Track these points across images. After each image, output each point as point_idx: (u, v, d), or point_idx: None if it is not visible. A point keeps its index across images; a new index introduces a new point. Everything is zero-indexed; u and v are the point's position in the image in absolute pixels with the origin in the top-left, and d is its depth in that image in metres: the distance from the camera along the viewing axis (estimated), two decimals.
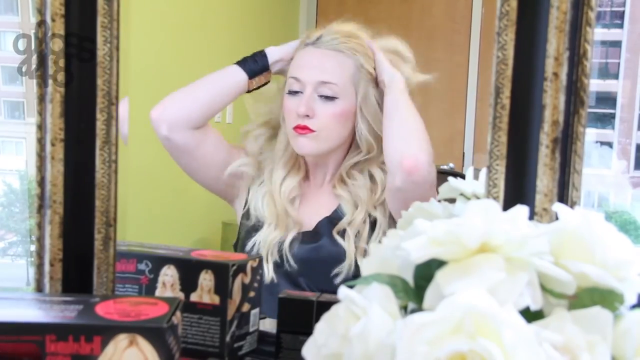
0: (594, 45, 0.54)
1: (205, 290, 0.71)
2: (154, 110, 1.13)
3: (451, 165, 3.03)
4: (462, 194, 0.62)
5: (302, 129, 1.12)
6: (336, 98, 1.12)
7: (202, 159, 1.17)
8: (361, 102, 1.14)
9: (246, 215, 1.20)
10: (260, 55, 1.17)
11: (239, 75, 1.15)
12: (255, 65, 1.16)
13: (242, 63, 1.16)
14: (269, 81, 1.19)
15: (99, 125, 0.62)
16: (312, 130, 1.12)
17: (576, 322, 0.42)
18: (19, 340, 0.50)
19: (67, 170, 0.62)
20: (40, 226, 0.62)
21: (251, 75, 1.15)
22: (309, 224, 1.17)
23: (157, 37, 2.41)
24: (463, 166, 3.56)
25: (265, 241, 1.14)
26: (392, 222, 1.14)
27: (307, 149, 1.14)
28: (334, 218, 1.15)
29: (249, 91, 1.17)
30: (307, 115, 1.12)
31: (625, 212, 3.07)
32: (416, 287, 0.46)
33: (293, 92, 1.14)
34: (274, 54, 1.18)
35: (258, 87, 1.18)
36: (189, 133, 1.14)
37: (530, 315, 0.42)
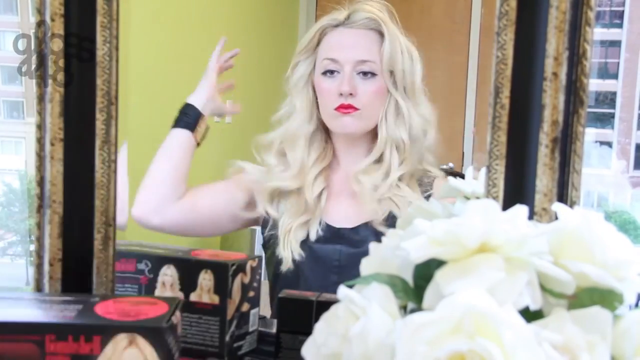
0: (594, 45, 0.54)
1: (204, 290, 0.71)
2: (134, 209, 1.13)
3: (451, 165, 3.02)
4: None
5: (346, 108, 1.11)
6: (375, 75, 1.12)
7: (208, 218, 1.18)
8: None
9: (273, 225, 1.16)
10: (188, 107, 1.16)
11: (183, 135, 1.15)
12: (190, 118, 1.16)
13: (177, 123, 1.16)
14: (208, 127, 1.18)
15: (99, 125, 0.62)
16: (357, 109, 1.12)
17: (576, 322, 0.42)
18: (18, 340, 0.50)
19: (66, 170, 0.62)
20: (39, 226, 0.62)
21: (192, 128, 1.15)
22: (346, 221, 1.14)
23: (156, 36, 2.40)
24: (462, 166, 3.56)
25: (297, 242, 1.11)
26: None
27: (352, 127, 1.13)
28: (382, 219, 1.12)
29: (198, 144, 1.17)
30: (351, 94, 1.11)
31: (624, 212, 3.07)
32: (416, 287, 0.46)
33: (329, 73, 1.13)
34: (198, 99, 1.17)
35: (204, 135, 1.18)
36: (178, 207, 1.14)
37: (530, 315, 0.42)
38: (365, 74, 1.12)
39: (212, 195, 1.19)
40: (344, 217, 1.14)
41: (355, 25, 1.14)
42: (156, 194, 1.13)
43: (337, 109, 1.12)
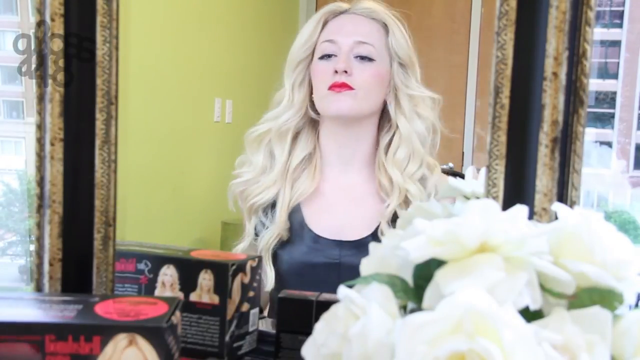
0: (594, 44, 0.54)
1: (204, 290, 0.71)
2: None
3: (450, 165, 3.03)
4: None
5: (339, 86, 1.07)
6: (373, 60, 1.10)
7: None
8: (396, 69, 1.12)
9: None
10: None
11: None
12: None
13: None
14: None
15: (98, 124, 0.62)
16: (351, 88, 1.08)
17: (575, 321, 0.42)
18: (18, 340, 0.50)
19: (66, 170, 0.62)
20: (39, 226, 0.62)
21: None
22: (347, 232, 1.10)
23: (156, 36, 2.40)
24: (462, 166, 3.56)
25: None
26: None
27: (346, 108, 1.08)
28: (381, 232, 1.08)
29: None
30: (345, 72, 1.07)
31: (624, 212, 3.07)
32: (415, 286, 0.46)
33: (326, 57, 1.11)
34: None
35: None
36: None
37: (530, 315, 0.42)
38: (362, 58, 1.09)
39: None
40: (343, 228, 1.11)
41: (357, 13, 1.13)
42: None
43: (331, 87, 1.08)
